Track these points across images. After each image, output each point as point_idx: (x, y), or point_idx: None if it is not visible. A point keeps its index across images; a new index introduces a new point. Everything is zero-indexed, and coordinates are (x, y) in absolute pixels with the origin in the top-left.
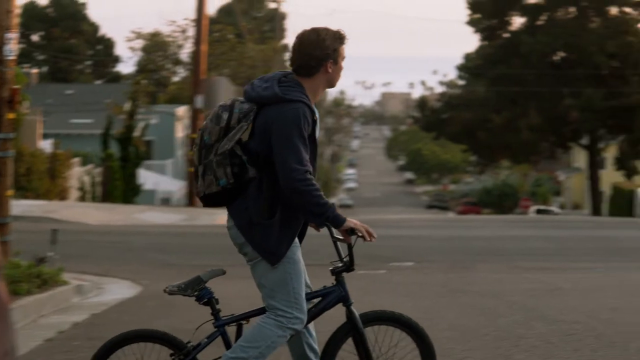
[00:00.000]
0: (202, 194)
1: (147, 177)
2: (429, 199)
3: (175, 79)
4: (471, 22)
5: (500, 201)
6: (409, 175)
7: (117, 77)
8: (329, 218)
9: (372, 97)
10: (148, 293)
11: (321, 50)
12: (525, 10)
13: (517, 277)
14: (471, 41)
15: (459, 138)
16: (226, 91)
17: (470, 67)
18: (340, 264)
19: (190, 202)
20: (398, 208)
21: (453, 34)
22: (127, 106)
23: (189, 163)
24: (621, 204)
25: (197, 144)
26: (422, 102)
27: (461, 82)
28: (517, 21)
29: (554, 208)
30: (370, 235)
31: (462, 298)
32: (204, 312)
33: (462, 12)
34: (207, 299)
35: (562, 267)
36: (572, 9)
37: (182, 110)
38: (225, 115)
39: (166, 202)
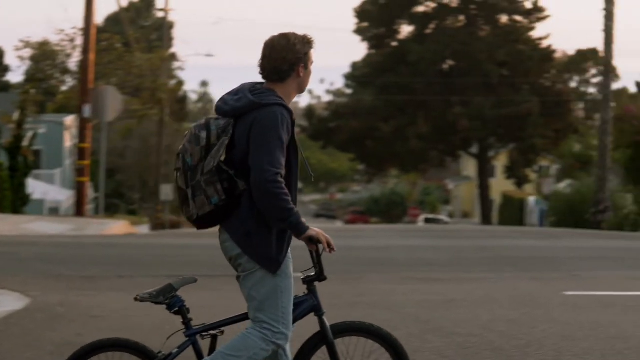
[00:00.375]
0: (195, 217)
1: (35, 187)
2: (317, 208)
3: (64, 88)
4: (359, 31)
5: (389, 210)
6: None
7: (6, 87)
8: (291, 224)
9: None
10: (37, 305)
11: (293, 54)
12: (414, 19)
13: (410, 288)
14: (359, 50)
15: (346, 147)
16: (114, 100)
17: (358, 75)
18: (312, 273)
19: (78, 212)
20: None
21: (340, 43)
22: (15, 116)
23: (77, 172)
24: (511, 212)
25: (178, 168)
26: (309, 111)
27: (349, 91)
28: (406, 30)
29: (443, 217)
30: (330, 246)
31: (355, 311)
32: (95, 324)
33: (350, 20)
34: (178, 307)
35: (455, 278)
36: (462, 18)
37: (70, 120)
38: (203, 134)
39: (55, 211)
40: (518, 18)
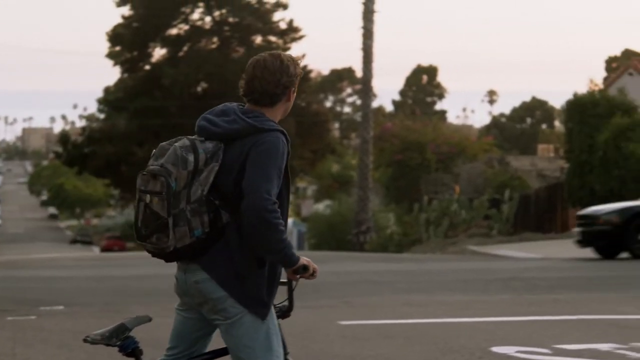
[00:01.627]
0: (171, 249)
1: None
2: (73, 234)
3: None
4: (111, 55)
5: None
6: (52, 210)
7: None
8: (286, 255)
9: (14, 132)
10: None
11: (287, 77)
12: (166, 42)
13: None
14: (113, 74)
15: (102, 172)
16: None
17: (112, 100)
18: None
19: None
20: (43, 244)
21: (94, 67)
22: None
23: None
24: None
25: (158, 192)
26: (63, 137)
27: (102, 116)
28: (159, 53)
29: None
30: (314, 272)
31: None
32: None
33: (104, 45)
34: (131, 349)
35: None
36: (215, 39)
37: None
38: (191, 158)
39: None
40: (273, 39)
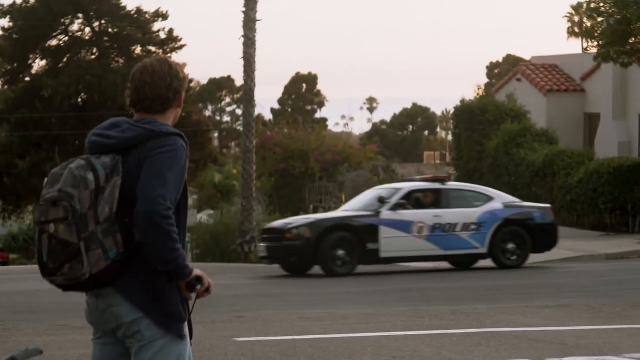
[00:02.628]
0: (87, 276)
1: None
2: None
3: None
4: None
5: (28, 246)
6: None
7: None
8: (178, 266)
9: None
10: None
11: (178, 80)
12: (46, 53)
13: (66, 339)
14: None
15: None
16: None
17: None
18: None
19: None
20: None
21: None
22: None
23: None
24: None
25: (61, 219)
26: None
27: None
28: (39, 64)
29: None
30: (209, 289)
31: None
32: None
33: None
34: None
35: None
36: (95, 50)
37: None
38: (90, 176)
39: None
40: (153, 48)
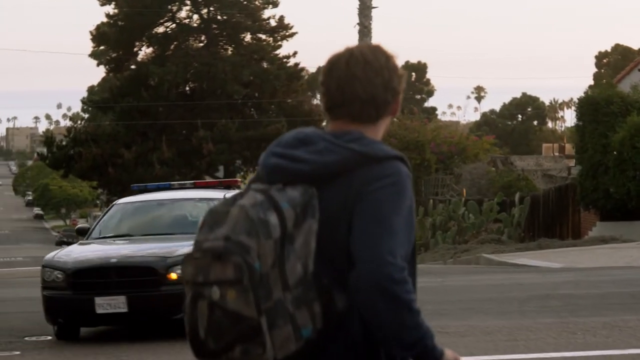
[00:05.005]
0: None
1: None
2: (59, 234)
3: None
4: (94, 55)
5: None
6: (37, 210)
7: None
8: (426, 348)
9: None
10: None
11: (397, 78)
12: (153, 40)
13: None
14: (98, 73)
15: (88, 174)
16: None
17: (97, 100)
18: None
19: None
20: (29, 245)
21: (78, 67)
22: None
23: None
24: None
25: (233, 281)
26: (48, 139)
27: (86, 116)
28: (145, 52)
29: None
30: None
31: None
32: None
33: (88, 44)
34: None
35: None
36: (203, 37)
37: None
38: (273, 218)
39: None
40: (263, 36)
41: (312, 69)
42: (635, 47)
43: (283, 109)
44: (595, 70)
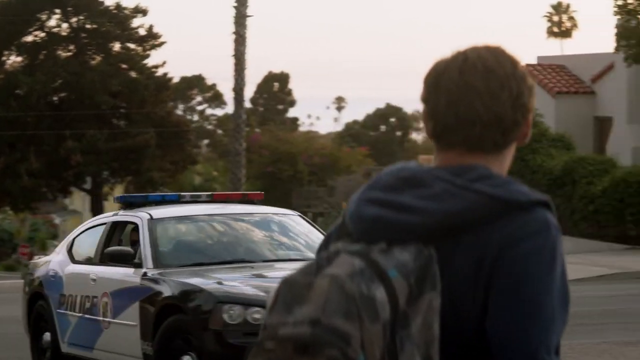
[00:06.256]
0: None
1: None
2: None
3: None
4: None
5: None
6: None
7: None
8: None
9: None
10: None
11: (528, 90)
12: (22, 49)
13: None
14: None
15: None
16: None
17: None
18: None
19: None
20: None
21: None
22: None
23: None
24: None
25: None
26: None
27: None
28: (15, 60)
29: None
30: None
31: None
32: None
33: None
34: None
35: None
36: (72, 47)
37: None
38: (380, 293)
39: None
40: (132, 45)
41: (175, 78)
42: None
43: (151, 119)
44: None
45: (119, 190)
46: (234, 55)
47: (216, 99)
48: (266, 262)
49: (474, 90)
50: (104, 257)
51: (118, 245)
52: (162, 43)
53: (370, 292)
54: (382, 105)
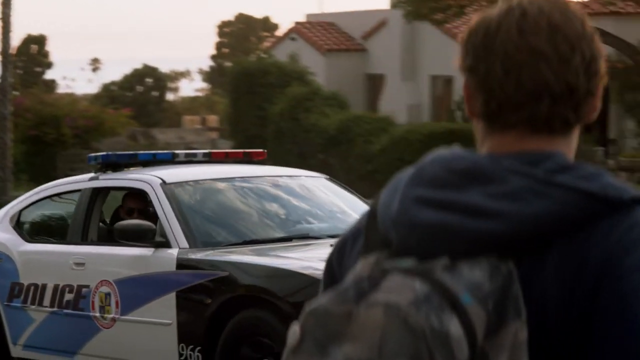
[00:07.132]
0: None
1: None
2: None
3: None
4: None
5: None
6: None
7: None
8: None
9: None
10: None
11: (599, 55)
12: None
13: None
14: None
15: None
16: None
17: None
18: None
19: None
20: None
21: None
22: None
23: None
24: None
25: None
26: None
27: None
28: None
29: None
30: None
31: None
32: None
33: None
34: None
35: None
36: None
37: None
38: (455, 326)
39: None
40: None
41: None
42: (258, 16)
43: None
44: (217, 39)
45: None
46: (1, 19)
47: None
48: (333, 238)
49: (540, 55)
50: (103, 234)
51: (128, 217)
52: None
53: (443, 327)
54: (139, 66)
